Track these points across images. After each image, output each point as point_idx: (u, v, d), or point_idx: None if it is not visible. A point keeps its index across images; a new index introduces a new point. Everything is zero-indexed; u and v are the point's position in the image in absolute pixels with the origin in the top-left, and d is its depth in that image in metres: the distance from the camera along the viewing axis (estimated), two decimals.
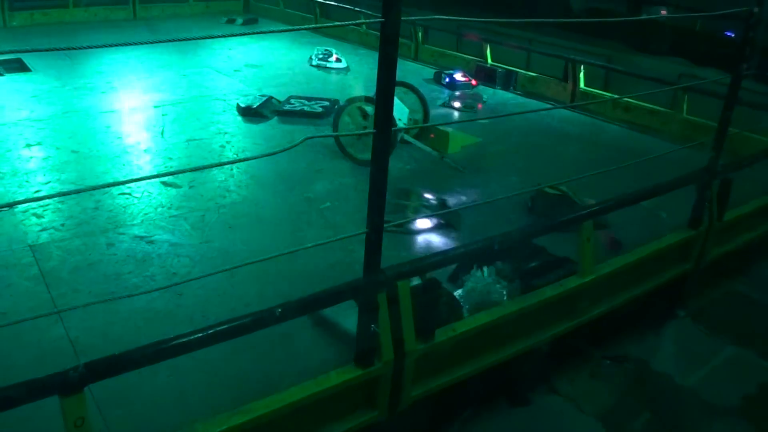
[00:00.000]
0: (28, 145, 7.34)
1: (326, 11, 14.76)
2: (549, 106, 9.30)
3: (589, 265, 4.39)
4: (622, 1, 13.62)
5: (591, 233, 4.35)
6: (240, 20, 15.69)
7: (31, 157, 7.01)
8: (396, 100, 6.26)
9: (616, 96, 9.04)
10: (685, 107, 8.39)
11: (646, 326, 5.39)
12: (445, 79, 10.37)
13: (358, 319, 3.42)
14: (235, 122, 8.40)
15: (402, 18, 2.89)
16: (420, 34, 12.16)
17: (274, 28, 14.06)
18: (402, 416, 3.71)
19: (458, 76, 10.31)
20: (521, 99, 10.16)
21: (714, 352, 5.21)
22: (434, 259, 3.90)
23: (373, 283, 3.32)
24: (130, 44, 2.93)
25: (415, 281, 3.68)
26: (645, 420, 4.55)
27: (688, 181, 5.15)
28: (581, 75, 9.68)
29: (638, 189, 5.00)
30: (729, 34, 10.91)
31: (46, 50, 2.45)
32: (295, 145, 3.21)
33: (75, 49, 2.74)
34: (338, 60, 11.66)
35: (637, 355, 5.10)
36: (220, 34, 3.29)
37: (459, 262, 4.41)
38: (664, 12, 12.23)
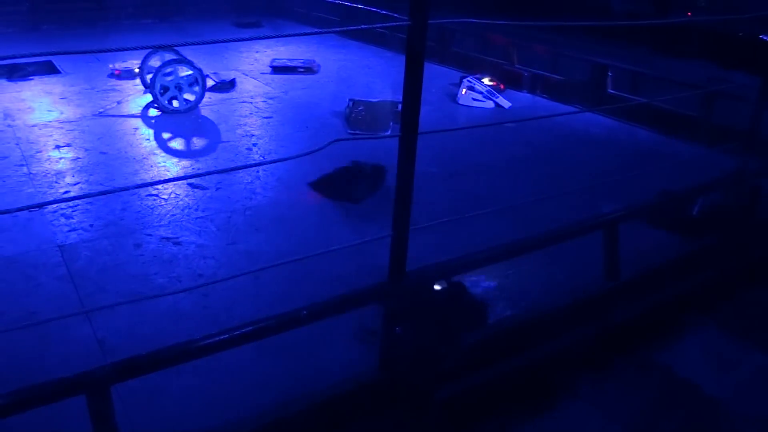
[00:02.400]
0: (58, 147, 7.44)
1: (351, 12, 14.76)
2: (576, 109, 9.23)
3: (615, 269, 4.35)
4: (648, 3, 13.47)
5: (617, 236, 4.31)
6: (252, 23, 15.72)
7: (61, 159, 7.11)
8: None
9: (643, 100, 8.94)
10: (713, 111, 8.27)
11: (673, 332, 5.32)
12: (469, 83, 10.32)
13: (383, 322, 3.41)
14: (262, 125, 8.44)
15: (429, 21, 2.88)
16: (446, 36, 12.12)
17: (298, 30, 14.10)
18: (427, 420, 3.69)
19: (486, 81, 10.23)
20: (548, 102, 10.10)
21: (743, 359, 5.12)
22: (460, 262, 3.88)
23: (398, 287, 3.31)
24: (158, 47, 2.97)
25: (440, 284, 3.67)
26: (673, 429, 4.48)
27: (720, 183, 5.08)
28: (608, 78, 9.60)
29: (667, 191, 4.95)
30: (765, 38, 10.71)
31: (75, 53, 2.47)
32: (322, 148, 3.21)
33: (102, 51, 2.77)
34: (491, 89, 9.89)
35: (664, 362, 5.03)
36: (247, 36, 3.31)
37: (485, 265, 4.37)
38: (689, 14, 12.07)
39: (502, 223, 5.72)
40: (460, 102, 9.63)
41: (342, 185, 6.31)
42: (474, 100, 9.55)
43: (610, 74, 9.63)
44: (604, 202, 5.86)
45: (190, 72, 8.61)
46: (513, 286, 4.69)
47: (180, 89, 8.57)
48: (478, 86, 9.56)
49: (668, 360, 4.94)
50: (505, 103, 9.52)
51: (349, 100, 8.64)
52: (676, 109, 8.73)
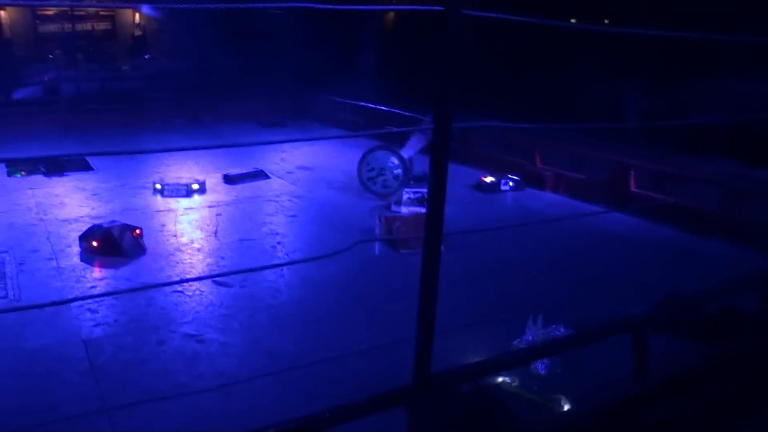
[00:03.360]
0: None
1: (378, 116, 15.11)
2: (600, 209, 9.25)
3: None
4: (668, 103, 13.71)
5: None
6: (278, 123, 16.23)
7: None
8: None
9: (669, 199, 8.94)
10: (739, 209, 8.24)
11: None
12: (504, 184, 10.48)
13: (408, 426, 3.33)
14: (286, 223, 8.54)
15: (453, 124, 2.95)
16: (469, 137, 12.30)
17: (324, 132, 14.44)
18: None
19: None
20: (571, 202, 10.15)
21: None
22: (487, 364, 3.82)
23: (423, 390, 3.26)
24: (186, 149, 3.07)
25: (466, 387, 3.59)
26: None
27: (749, 283, 5.00)
28: (631, 178, 9.65)
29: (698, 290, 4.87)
30: None
31: (110, 153, 2.57)
32: (346, 249, 3.24)
33: (134, 153, 2.86)
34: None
35: None
36: (276, 139, 3.40)
37: (512, 367, 4.31)
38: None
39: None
40: None
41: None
42: None
43: (632, 173, 9.69)
44: (631, 303, 5.79)
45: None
46: (541, 389, 4.59)
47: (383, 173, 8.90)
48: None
49: None
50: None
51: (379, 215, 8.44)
52: (700, 207, 8.71)
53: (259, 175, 10.89)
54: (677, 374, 4.51)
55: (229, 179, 10.51)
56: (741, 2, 12.60)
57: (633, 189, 9.67)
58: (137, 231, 7.43)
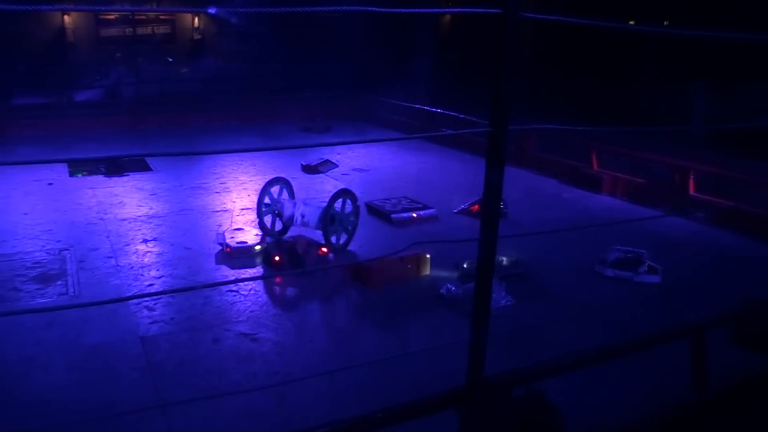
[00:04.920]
0: (145, 241, 7.74)
1: (434, 118, 15.10)
2: (658, 213, 9.06)
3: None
4: (729, 106, 13.36)
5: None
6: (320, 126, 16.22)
7: (147, 252, 7.37)
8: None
9: (728, 202, 8.71)
10: None
11: None
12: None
13: (460, 428, 3.31)
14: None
15: (510, 127, 2.93)
16: (525, 140, 12.20)
17: (382, 135, 14.47)
18: None
19: None
20: (628, 206, 9.97)
21: None
22: (540, 368, 3.76)
23: (475, 392, 3.23)
24: (242, 150, 3.12)
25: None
26: None
27: None
28: (690, 181, 9.44)
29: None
30: None
31: (165, 155, 2.62)
32: (402, 250, 3.23)
33: (191, 154, 2.91)
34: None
35: None
36: (326, 141, 3.42)
37: (566, 372, 4.23)
38: None
39: (585, 329, 5.60)
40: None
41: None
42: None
43: (692, 177, 9.47)
44: (691, 309, 5.67)
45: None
46: (596, 395, 4.51)
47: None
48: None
49: None
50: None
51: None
52: (761, 212, 8.46)
53: (329, 163, 11.80)
54: (737, 380, 4.39)
55: (307, 168, 11.56)
56: None
57: (692, 193, 9.45)
58: (323, 250, 7.31)
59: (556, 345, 4.98)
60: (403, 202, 9.27)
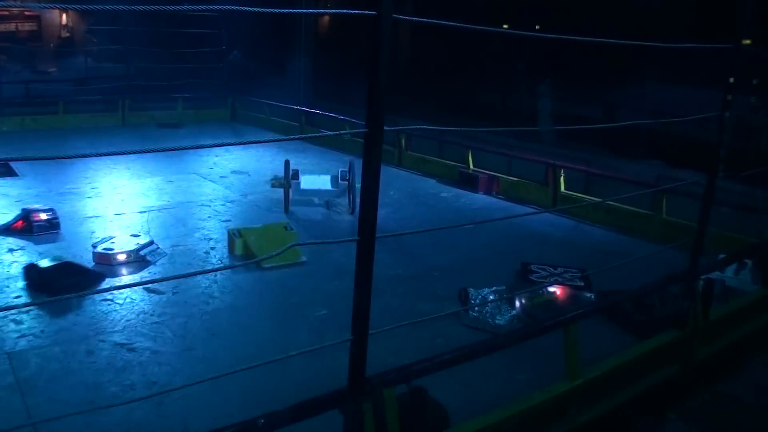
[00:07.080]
0: (11, 250, 7.31)
1: (311, 119, 15.14)
2: (532, 210, 9.43)
3: (577, 369, 4.34)
4: (598, 107, 14.13)
5: (577, 337, 4.32)
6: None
7: (13, 263, 6.96)
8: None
9: (597, 199, 9.19)
10: (664, 208, 8.53)
11: (637, 431, 5.27)
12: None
13: (343, 429, 3.33)
14: (220, 228, 8.40)
15: (385, 128, 2.96)
16: (403, 141, 12.37)
17: (260, 136, 14.36)
18: None
19: None
20: (504, 203, 10.33)
21: None
22: (420, 366, 3.83)
23: (358, 392, 3.26)
24: (115, 153, 2.98)
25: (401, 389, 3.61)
26: None
27: (672, 281, 5.18)
28: (561, 179, 9.89)
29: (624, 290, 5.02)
30: None
31: (32, 159, 2.49)
32: (279, 253, 3.21)
33: (61, 158, 2.78)
34: None
35: None
36: (210, 143, 3.36)
37: (443, 369, 4.33)
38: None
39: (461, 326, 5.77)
40: None
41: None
42: None
43: (563, 175, 9.92)
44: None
45: None
46: (474, 389, 4.65)
47: None
48: None
49: None
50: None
51: None
52: (628, 207, 8.98)
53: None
54: (607, 369, 4.63)
55: None
56: (665, 9, 13.09)
57: (562, 190, 9.91)
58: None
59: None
60: None
